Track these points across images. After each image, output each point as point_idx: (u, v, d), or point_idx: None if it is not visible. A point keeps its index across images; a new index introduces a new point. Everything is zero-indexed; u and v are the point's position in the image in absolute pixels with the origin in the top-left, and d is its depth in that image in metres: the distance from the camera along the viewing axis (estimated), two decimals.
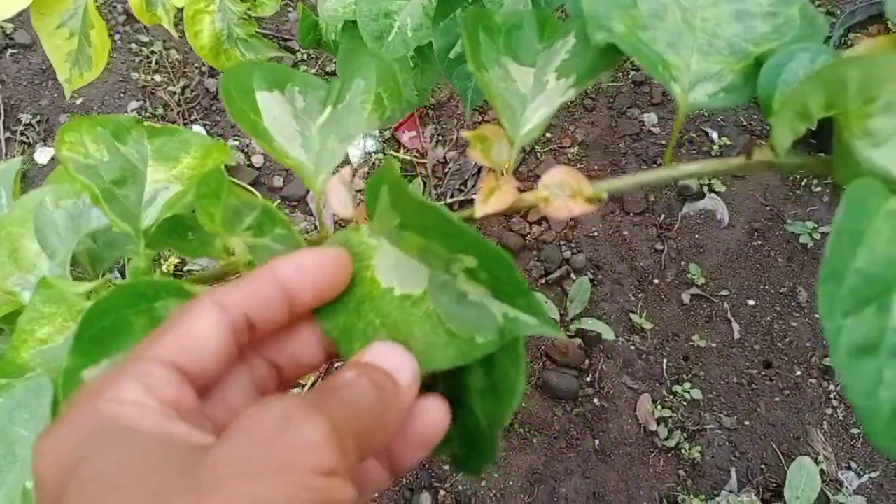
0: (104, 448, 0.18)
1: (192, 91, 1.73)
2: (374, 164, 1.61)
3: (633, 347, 1.42)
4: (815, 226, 1.49)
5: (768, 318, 1.44)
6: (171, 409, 0.20)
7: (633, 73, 1.73)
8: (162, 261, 1.49)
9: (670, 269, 1.50)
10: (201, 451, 0.18)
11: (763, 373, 1.39)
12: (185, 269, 1.47)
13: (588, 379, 1.38)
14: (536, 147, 1.66)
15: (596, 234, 1.54)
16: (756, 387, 1.38)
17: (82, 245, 0.41)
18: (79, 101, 1.69)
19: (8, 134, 1.64)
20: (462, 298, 0.23)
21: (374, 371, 0.22)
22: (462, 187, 1.58)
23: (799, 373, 1.38)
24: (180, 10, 0.81)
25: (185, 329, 0.22)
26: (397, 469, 0.24)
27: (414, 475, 1.27)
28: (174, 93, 1.72)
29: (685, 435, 1.32)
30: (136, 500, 0.17)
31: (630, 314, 1.44)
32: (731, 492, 1.27)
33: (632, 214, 1.56)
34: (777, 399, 1.36)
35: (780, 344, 1.42)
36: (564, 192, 0.28)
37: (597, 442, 1.32)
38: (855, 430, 1.33)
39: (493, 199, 0.28)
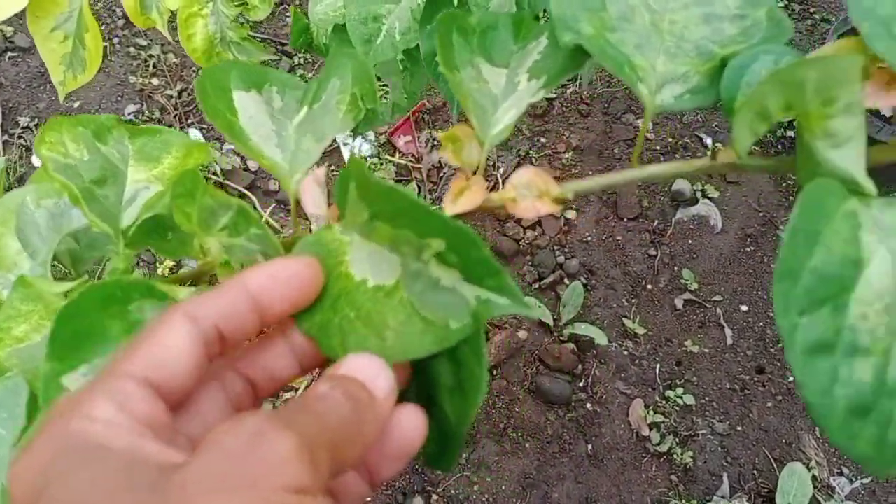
0: (76, 467, 0.18)
1: (188, 94, 1.73)
2: (369, 167, 1.61)
3: (626, 352, 1.42)
4: None
5: (761, 324, 1.44)
6: (144, 426, 0.20)
7: None
8: (158, 263, 1.49)
9: (663, 275, 1.50)
10: (172, 469, 0.18)
11: (755, 378, 1.39)
12: (181, 271, 1.47)
13: (581, 384, 1.38)
14: (531, 152, 1.66)
15: (590, 239, 1.54)
16: (748, 392, 1.38)
17: (64, 245, 0.41)
18: (76, 104, 1.69)
19: (6, 137, 1.65)
20: (435, 285, 0.23)
21: (349, 383, 0.22)
22: None
23: (791, 379, 1.38)
24: (175, 13, 0.81)
25: (156, 343, 0.22)
26: (377, 480, 0.24)
27: (406, 479, 1.27)
28: (171, 96, 1.72)
29: (677, 440, 1.32)
30: None
31: (623, 319, 1.45)
32: (722, 497, 1.27)
33: (625, 220, 1.56)
34: (769, 405, 1.36)
35: (772, 350, 1.42)
36: (532, 193, 0.28)
37: (589, 447, 1.32)
38: None
39: (462, 198, 0.29)
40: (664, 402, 1.36)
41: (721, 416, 1.35)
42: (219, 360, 0.24)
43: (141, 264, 1.49)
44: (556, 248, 1.53)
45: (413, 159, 1.64)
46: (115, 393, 0.20)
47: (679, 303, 1.47)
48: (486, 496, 1.26)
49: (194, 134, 1.67)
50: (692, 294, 1.47)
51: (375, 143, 1.66)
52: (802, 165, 0.26)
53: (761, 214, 1.55)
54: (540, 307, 1.42)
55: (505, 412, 1.34)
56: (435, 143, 1.65)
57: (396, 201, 0.23)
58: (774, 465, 1.30)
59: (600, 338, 1.38)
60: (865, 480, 1.28)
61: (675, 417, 1.35)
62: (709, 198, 1.58)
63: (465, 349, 0.24)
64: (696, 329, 1.44)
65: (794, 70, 0.23)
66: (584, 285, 1.47)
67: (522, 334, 1.41)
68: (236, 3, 0.87)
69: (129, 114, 1.69)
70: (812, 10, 1.91)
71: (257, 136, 0.33)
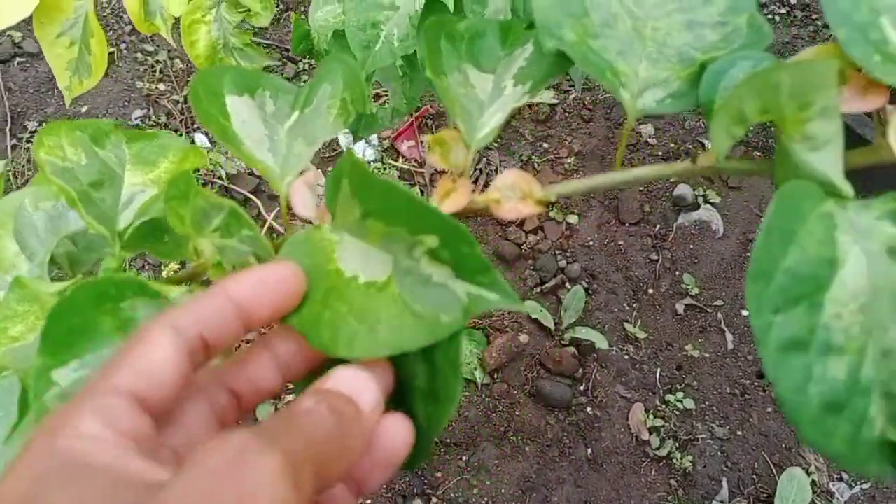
0: (62, 484, 0.19)
1: None
2: (372, 172, 1.62)
3: (626, 357, 1.42)
4: None
5: None
6: (130, 441, 0.20)
7: None
8: (163, 266, 1.50)
9: (665, 279, 1.50)
10: (157, 487, 0.18)
11: (756, 383, 1.39)
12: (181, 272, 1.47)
13: (581, 388, 1.38)
14: (533, 157, 1.67)
15: (591, 243, 1.55)
16: (749, 397, 1.37)
17: (62, 247, 0.42)
18: (84, 109, 1.71)
19: (14, 141, 1.66)
20: (426, 281, 0.23)
21: (334, 397, 0.22)
22: None
23: None
24: (179, 19, 0.82)
25: (141, 355, 0.22)
26: (364, 490, 0.24)
27: (406, 482, 1.27)
28: (177, 101, 1.74)
29: (677, 444, 1.32)
30: None
31: (624, 323, 1.45)
32: (722, 502, 1.26)
33: (627, 224, 1.56)
34: (769, 409, 1.36)
35: None
36: (515, 195, 0.28)
37: (589, 451, 1.32)
38: None
39: (448, 200, 0.29)
40: (664, 406, 1.36)
41: (721, 421, 1.35)
42: (203, 374, 0.24)
43: (146, 267, 1.50)
44: (557, 252, 1.53)
45: (416, 164, 1.65)
46: (101, 408, 0.20)
47: (680, 307, 1.47)
48: (486, 499, 1.27)
49: (200, 139, 1.68)
50: (693, 299, 1.47)
51: (379, 148, 1.67)
52: (780, 167, 0.26)
53: (762, 219, 1.55)
54: (541, 311, 1.42)
55: (505, 415, 1.34)
56: None
57: (393, 198, 0.24)
58: (774, 470, 1.29)
59: (601, 342, 1.39)
60: (865, 486, 1.27)
61: (675, 422, 1.35)
62: (710, 203, 1.58)
63: (440, 355, 0.24)
64: (697, 333, 1.44)
65: (769, 74, 0.24)
66: (586, 289, 1.47)
67: (523, 338, 1.42)
68: (239, 10, 0.88)
69: (135, 118, 1.71)
70: (814, 16, 1.91)
71: (250, 140, 0.34)
